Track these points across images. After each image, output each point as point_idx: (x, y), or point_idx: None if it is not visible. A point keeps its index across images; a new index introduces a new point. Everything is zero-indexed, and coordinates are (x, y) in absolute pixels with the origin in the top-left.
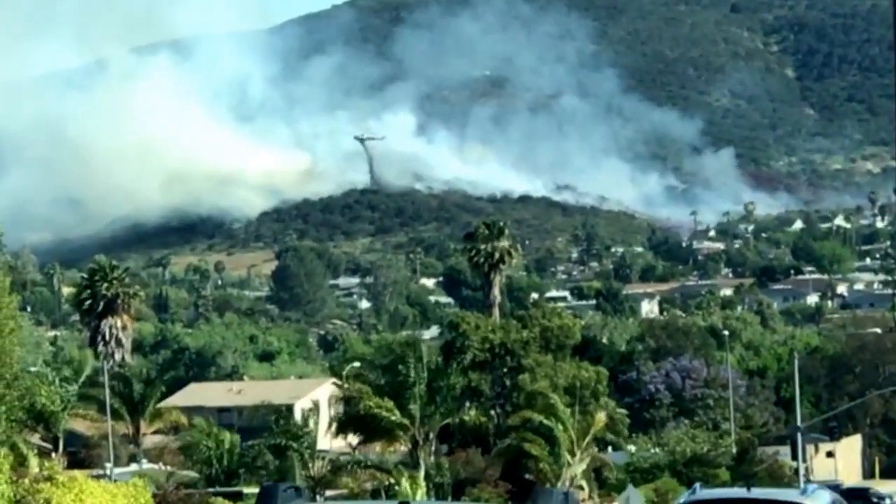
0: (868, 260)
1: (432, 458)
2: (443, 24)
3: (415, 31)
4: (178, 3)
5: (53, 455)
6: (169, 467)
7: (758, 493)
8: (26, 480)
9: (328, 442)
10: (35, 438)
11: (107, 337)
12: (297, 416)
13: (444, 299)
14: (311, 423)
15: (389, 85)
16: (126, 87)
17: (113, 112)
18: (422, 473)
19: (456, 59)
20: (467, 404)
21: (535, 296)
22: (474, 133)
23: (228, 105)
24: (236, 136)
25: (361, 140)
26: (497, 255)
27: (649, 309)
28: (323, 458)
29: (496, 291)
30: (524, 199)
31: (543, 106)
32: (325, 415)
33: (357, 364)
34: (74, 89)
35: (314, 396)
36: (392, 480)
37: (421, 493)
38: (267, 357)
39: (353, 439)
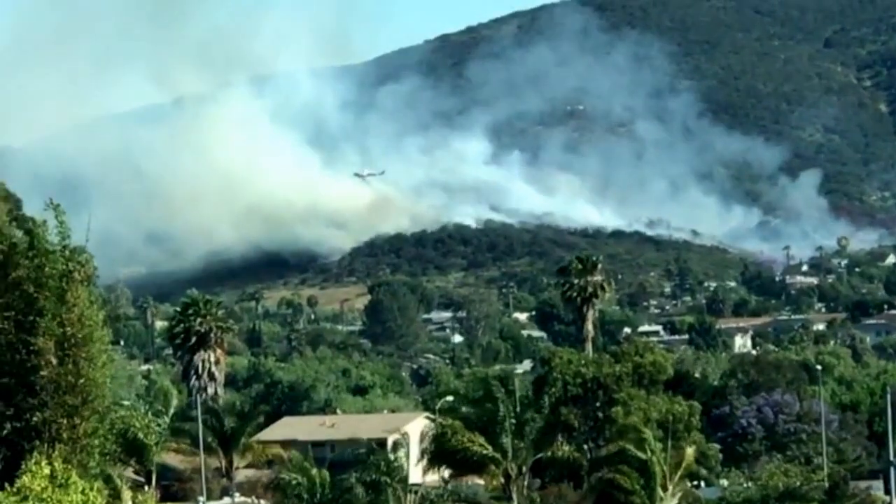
0: None
1: (525, 493)
2: (517, 55)
3: (489, 61)
4: (257, 39)
5: (147, 488)
6: (262, 501)
7: None
8: None
9: (420, 476)
10: (128, 472)
11: (199, 371)
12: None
13: (537, 333)
14: (402, 457)
15: (463, 115)
16: (205, 122)
17: (193, 147)
18: None
19: (532, 89)
20: (560, 439)
21: (627, 330)
22: (550, 162)
23: (307, 138)
24: (317, 169)
25: (361, 176)
26: (590, 290)
27: (742, 343)
28: (415, 493)
29: (589, 326)
30: (617, 234)
31: (624, 135)
32: (416, 448)
33: (450, 398)
34: (155, 125)
35: (407, 430)
36: None
37: None
38: (360, 391)
39: (446, 473)
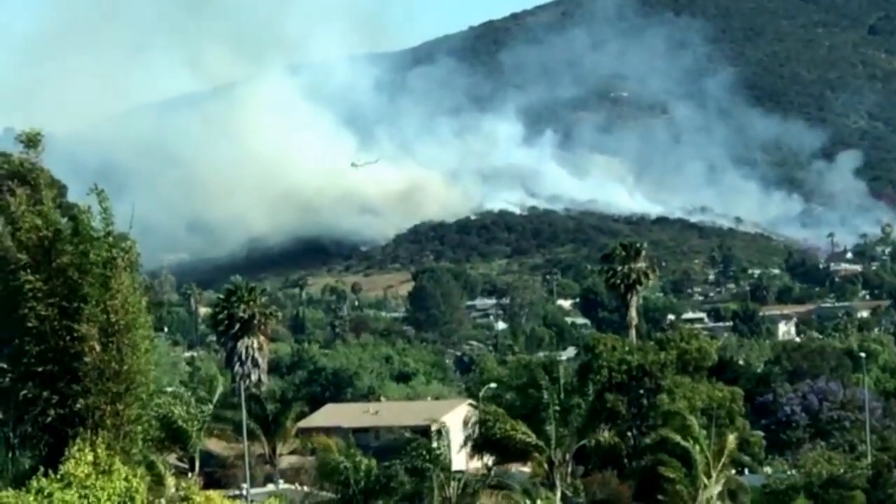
0: None
1: (568, 480)
2: (558, 40)
3: (527, 45)
4: (293, 26)
5: (190, 475)
6: (306, 488)
7: None
8: (163, 500)
9: (463, 463)
10: (171, 458)
11: (243, 357)
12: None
13: (581, 320)
14: (444, 445)
15: (501, 99)
16: (240, 109)
17: (229, 134)
18: (558, 494)
19: (571, 73)
20: (603, 426)
21: (671, 317)
22: (586, 144)
23: (341, 123)
24: (352, 154)
25: (357, 166)
26: (634, 277)
27: (786, 331)
28: (458, 480)
29: (633, 313)
30: (660, 221)
31: (663, 119)
32: (460, 436)
33: (493, 385)
34: (191, 112)
35: (450, 417)
36: (528, 502)
37: None
38: (403, 378)
39: (490, 460)
